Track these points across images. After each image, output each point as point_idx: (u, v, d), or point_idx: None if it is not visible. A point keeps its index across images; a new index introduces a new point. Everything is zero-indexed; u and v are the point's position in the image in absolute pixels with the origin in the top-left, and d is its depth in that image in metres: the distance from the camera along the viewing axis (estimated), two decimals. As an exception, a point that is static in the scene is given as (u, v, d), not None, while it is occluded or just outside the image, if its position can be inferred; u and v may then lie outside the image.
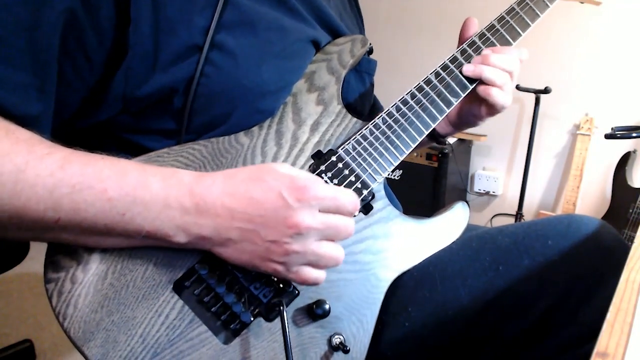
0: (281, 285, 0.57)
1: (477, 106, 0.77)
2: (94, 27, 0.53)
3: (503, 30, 0.75)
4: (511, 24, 0.76)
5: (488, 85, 0.72)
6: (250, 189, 0.51)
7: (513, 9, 0.77)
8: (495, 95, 0.72)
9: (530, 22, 0.77)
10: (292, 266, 0.52)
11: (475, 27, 0.77)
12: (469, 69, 0.72)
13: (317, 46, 0.69)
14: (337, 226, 0.53)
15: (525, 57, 0.75)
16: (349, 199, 0.55)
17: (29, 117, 0.51)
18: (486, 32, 0.75)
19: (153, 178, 0.51)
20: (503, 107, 0.75)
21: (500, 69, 0.72)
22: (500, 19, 0.76)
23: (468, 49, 0.74)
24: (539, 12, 0.78)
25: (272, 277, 0.56)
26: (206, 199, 0.50)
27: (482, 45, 0.74)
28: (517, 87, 2.23)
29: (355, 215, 0.62)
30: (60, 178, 0.47)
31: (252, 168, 0.54)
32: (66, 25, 0.51)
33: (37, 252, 0.81)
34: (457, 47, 0.75)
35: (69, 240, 0.51)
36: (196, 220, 0.50)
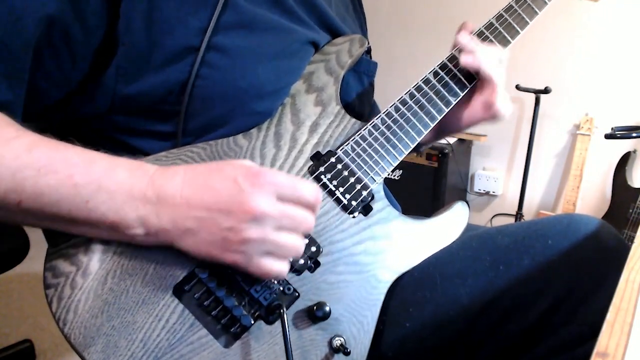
0: (281, 288, 0.57)
1: (469, 109, 0.77)
2: (79, 22, 0.53)
3: (502, 28, 0.75)
4: (510, 22, 0.76)
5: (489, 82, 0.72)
6: (208, 179, 0.51)
7: (511, 6, 0.76)
8: (501, 101, 0.72)
9: (528, 20, 0.77)
10: (252, 256, 0.51)
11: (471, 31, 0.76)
12: (467, 59, 0.71)
13: (317, 47, 0.69)
14: (295, 216, 0.52)
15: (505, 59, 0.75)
16: (309, 189, 0.53)
17: None
18: (485, 31, 0.75)
19: (120, 168, 0.51)
20: (504, 115, 0.74)
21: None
22: (499, 17, 0.76)
23: None
24: (537, 10, 0.78)
25: (273, 280, 0.56)
26: (166, 189, 0.50)
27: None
28: (517, 87, 2.23)
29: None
30: (25, 161, 0.47)
31: (214, 162, 0.54)
32: (50, 18, 0.51)
33: (37, 252, 0.81)
34: (455, 48, 0.74)
35: (35, 224, 0.51)
36: (156, 210, 0.50)
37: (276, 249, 0.52)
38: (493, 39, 0.74)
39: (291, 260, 0.55)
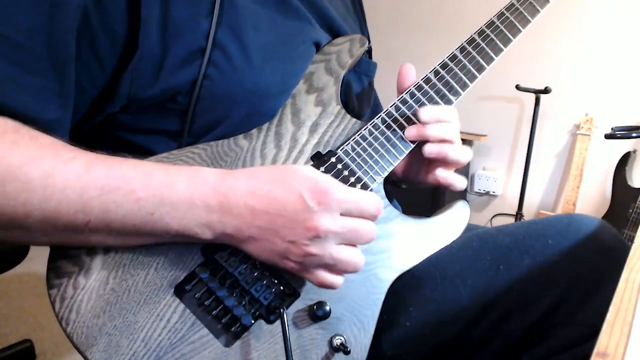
0: (282, 288, 0.57)
1: (426, 168, 0.71)
2: (105, 30, 0.54)
3: (503, 26, 0.74)
4: (501, 29, 0.74)
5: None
6: (273, 190, 0.52)
7: (512, 4, 0.75)
8: (451, 151, 0.66)
9: (521, 28, 0.75)
10: (309, 268, 0.53)
11: (413, 76, 0.70)
12: (411, 132, 0.66)
13: (319, 48, 0.69)
14: (358, 230, 0.54)
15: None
16: (372, 202, 0.55)
17: (50, 122, 0.51)
18: (486, 28, 0.74)
19: (178, 177, 0.52)
20: (463, 163, 0.68)
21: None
22: (501, 15, 0.75)
23: (467, 46, 0.72)
24: (536, 10, 0.77)
25: (273, 280, 0.57)
26: (229, 197, 0.51)
27: (481, 43, 0.72)
28: (517, 87, 2.24)
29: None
30: (87, 181, 0.48)
31: (275, 169, 0.54)
32: (79, 28, 0.52)
33: (37, 252, 0.81)
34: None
35: (98, 243, 0.52)
36: (220, 218, 0.51)
37: (335, 263, 0.53)
38: (494, 38, 0.74)
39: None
